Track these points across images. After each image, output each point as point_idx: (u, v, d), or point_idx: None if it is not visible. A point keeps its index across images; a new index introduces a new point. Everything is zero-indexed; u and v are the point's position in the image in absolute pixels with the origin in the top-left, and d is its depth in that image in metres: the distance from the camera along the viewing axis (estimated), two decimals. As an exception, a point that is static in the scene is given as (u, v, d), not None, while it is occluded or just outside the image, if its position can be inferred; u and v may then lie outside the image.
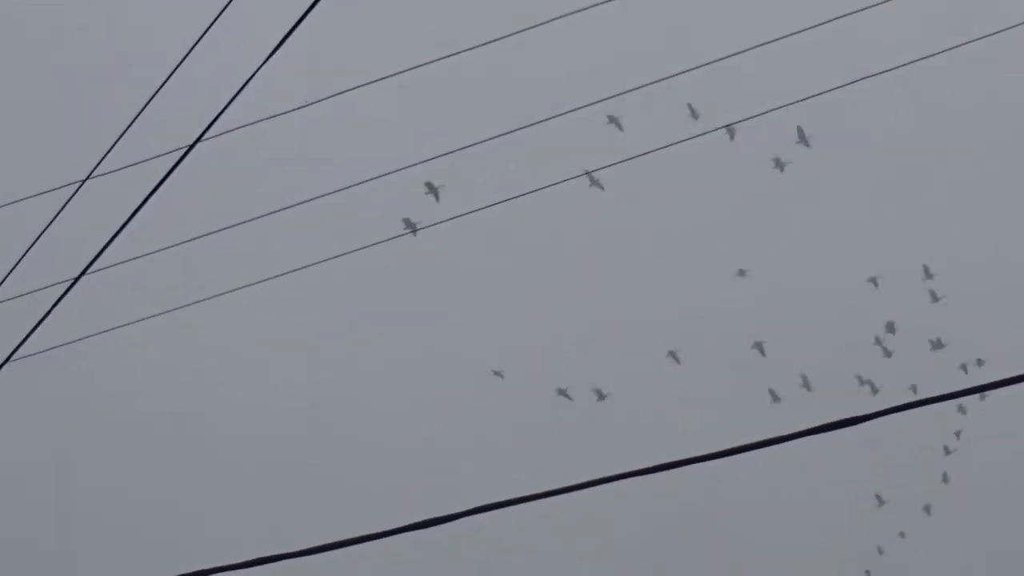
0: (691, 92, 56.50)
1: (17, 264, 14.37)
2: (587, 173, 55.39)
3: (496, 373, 61.30)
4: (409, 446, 61.30)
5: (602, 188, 57.15)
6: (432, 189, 49.59)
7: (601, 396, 61.72)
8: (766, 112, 29.44)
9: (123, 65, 54.67)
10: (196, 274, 51.05)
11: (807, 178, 61.98)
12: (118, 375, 55.80)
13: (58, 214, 13.08)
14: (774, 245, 62.99)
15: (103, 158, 13.26)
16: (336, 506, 59.48)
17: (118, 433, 55.78)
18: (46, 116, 54.48)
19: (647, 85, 24.77)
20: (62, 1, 55.82)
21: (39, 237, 13.61)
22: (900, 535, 63.93)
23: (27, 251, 13.47)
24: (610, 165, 42.75)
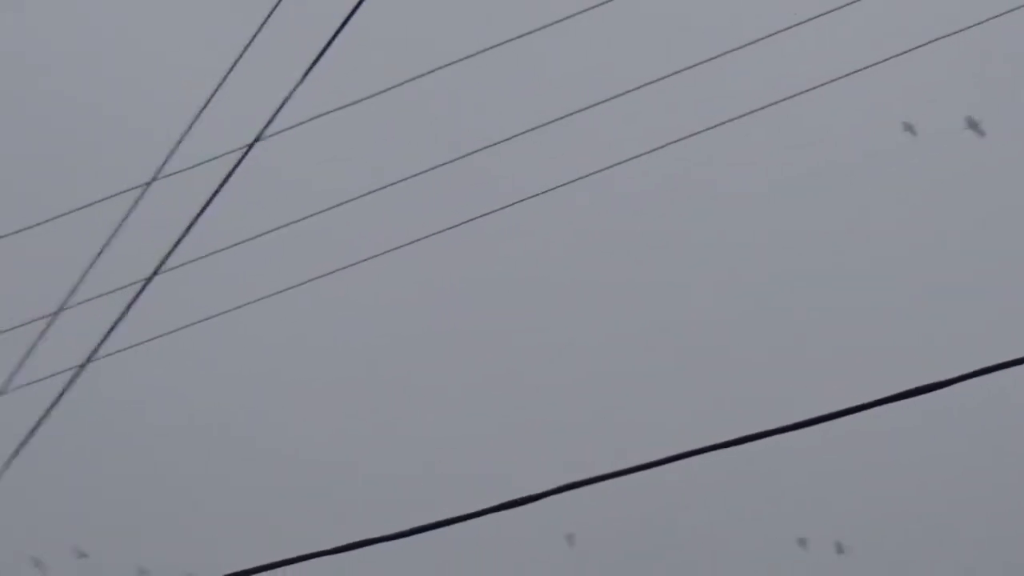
0: None
1: (91, 266, 15.06)
2: None
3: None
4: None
5: None
6: (973, 126, 49.15)
7: (974, 126, 59.15)
8: None
9: (169, 72, 55.57)
10: (267, 268, 51.49)
11: None
12: (188, 375, 56.55)
13: (129, 213, 13.76)
14: None
15: (167, 159, 13.94)
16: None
17: (192, 431, 56.50)
18: (95, 121, 55.33)
19: None
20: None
21: (111, 239, 14.28)
22: None
23: (100, 252, 14.17)
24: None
